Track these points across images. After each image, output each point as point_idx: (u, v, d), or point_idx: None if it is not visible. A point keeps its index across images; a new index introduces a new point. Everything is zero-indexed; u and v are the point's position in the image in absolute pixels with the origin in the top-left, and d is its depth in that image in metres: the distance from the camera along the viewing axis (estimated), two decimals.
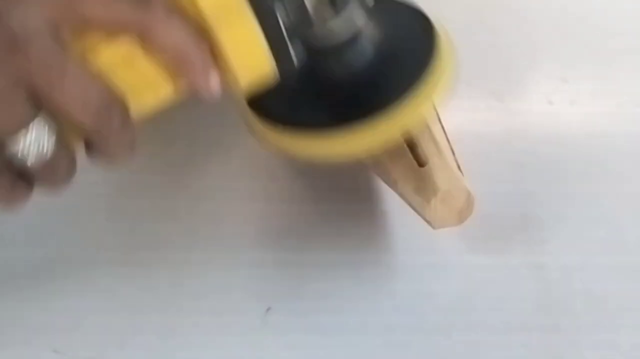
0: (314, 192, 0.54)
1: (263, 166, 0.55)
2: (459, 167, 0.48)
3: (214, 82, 0.39)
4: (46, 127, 0.37)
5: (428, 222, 0.47)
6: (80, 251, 0.50)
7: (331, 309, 0.49)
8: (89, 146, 0.40)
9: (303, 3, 0.41)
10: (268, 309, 0.48)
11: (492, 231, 0.51)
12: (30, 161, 0.37)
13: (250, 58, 0.39)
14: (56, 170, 0.39)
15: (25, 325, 0.48)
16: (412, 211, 0.47)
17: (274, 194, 0.53)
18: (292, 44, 0.40)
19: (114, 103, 0.38)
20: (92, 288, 0.49)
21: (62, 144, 0.38)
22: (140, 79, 0.39)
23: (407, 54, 0.47)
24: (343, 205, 0.53)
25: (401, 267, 0.50)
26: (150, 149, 0.55)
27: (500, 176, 0.54)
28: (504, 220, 0.52)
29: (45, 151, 0.37)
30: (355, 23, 0.44)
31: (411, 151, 0.48)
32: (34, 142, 0.37)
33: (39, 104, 0.37)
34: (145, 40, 0.38)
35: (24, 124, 0.36)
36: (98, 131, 0.38)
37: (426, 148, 0.48)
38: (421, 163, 0.47)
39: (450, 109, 0.58)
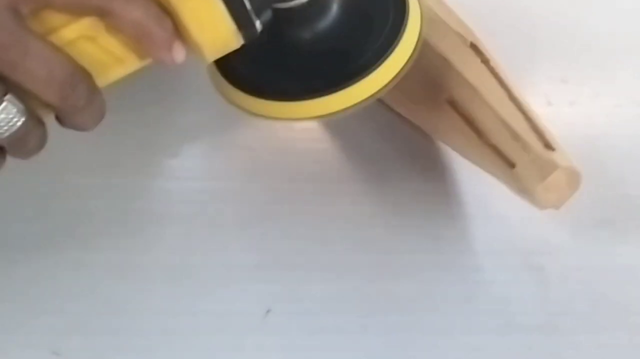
0: (313, 194, 0.54)
1: (262, 168, 0.55)
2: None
3: (177, 55, 0.40)
4: (15, 105, 0.38)
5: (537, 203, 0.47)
6: (80, 253, 0.50)
7: (331, 311, 0.49)
8: (59, 117, 0.41)
9: None
10: (268, 311, 0.48)
11: (492, 231, 0.51)
12: (1, 137, 0.38)
13: (213, 29, 0.40)
14: (27, 143, 0.40)
15: (25, 327, 0.48)
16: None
17: (273, 196, 0.53)
18: (256, 11, 0.41)
19: (78, 78, 0.39)
20: (91, 290, 0.49)
21: (32, 119, 0.39)
22: (104, 53, 0.40)
23: (374, 13, 0.47)
24: (342, 207, 0.53)
25: (400, 268, 0.50)
26: (149, 153, 0.55)
27: None
28: (504, 221, 0.52)
29: (15, 127, 0.38)
30: None
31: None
32: (4, 119, 0.38)
33: (4, 83, 0.38)
34: (107, 19, 0.38)
35: None
36: (64, 106, 0.39)
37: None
38: (511, 164, 0.47)
39: None
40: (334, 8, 0.46)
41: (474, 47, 0.52)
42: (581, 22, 0.63)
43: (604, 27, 0.63)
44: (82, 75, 0.39)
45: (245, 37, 0.41)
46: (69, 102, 0.39)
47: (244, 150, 0.55)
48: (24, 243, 0.51)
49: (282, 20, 0.44)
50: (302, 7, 0.44)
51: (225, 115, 0.57)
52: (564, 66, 0.61)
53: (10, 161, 0.41)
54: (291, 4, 0.44)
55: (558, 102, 0.59)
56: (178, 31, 0.40)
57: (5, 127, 0.38)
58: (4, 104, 0.38)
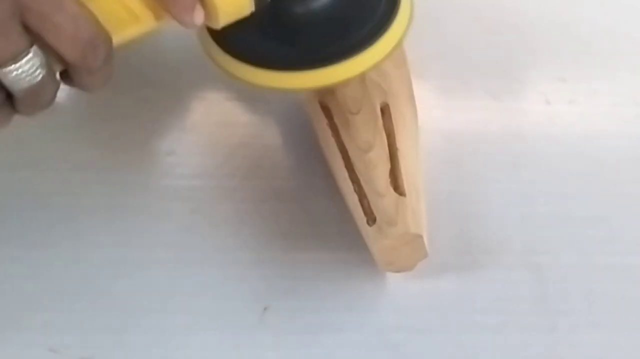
0: (311, 191, 0.53)
1: (260, 166, 0.55)
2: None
3: (197, 17, 0.42)
4: (38, 58, 0.38)
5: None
6: (77, 250, 0.50)
7: (328, 309, 0.49)
8: (67, 75, 0.41)
9: None
10: (265, 308, 0.48)
11: (491, 231, 0.51)
12: (19, 88, 0.39)
13: None
14: (40, 97, 0.40)
15: (21, 324, 0.48)
16: None
17: (271, 194, 0.53)
18: None
19: (100, 40, 0.40)
20: (88, 287, 0.49)
21: (51, 74, 0.40)
22: (123, 10, 0.41)
23: None
24: (340, 204, 0.52)
25: None
26: (146, 150, 0.55)
27: (498, 176, 0.54)
28: (502, 220, 0.52)
29: (36, 79, 0.39)
30: None
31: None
32: (25, 71, 0.38)
33: (32, 36, 0.38)
34: None
35: (16, 55, 0.38)
36: (81, 65, 0.40)
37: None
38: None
39: (448, 109, 0.58)
40: None
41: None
42: (580, 20, 0.63)
43: (603, 26, 0.63)
44: (104, 37, 0.40)
45: (257, 3, 0.44)
46: (87, 62, 0.39)
47: (241, 148, 0.55)
48: (21, 239, 0.50)
49: None
50: None
51: (222, 113, 0.57)
52: (563, 65, 0.61)
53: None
54: None
55: (557, 101, 0.59)
56: None
57: (27, 79, 0.38)
58: (29, 55, 0.38)
